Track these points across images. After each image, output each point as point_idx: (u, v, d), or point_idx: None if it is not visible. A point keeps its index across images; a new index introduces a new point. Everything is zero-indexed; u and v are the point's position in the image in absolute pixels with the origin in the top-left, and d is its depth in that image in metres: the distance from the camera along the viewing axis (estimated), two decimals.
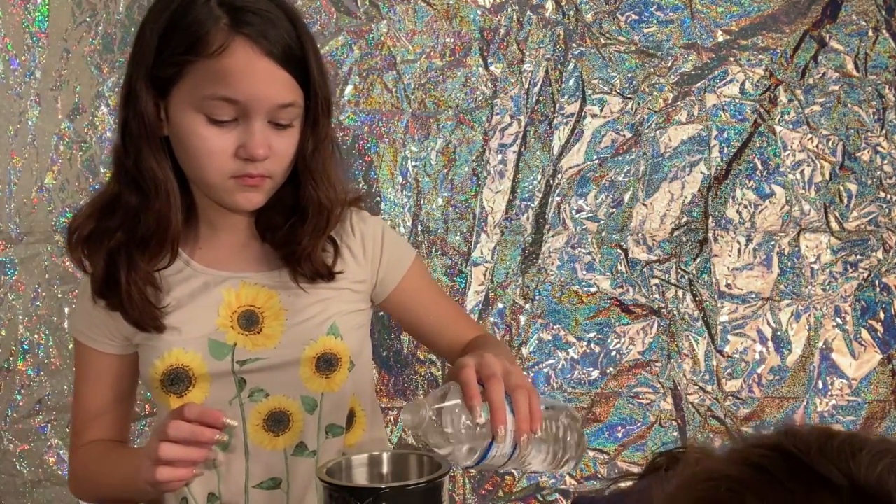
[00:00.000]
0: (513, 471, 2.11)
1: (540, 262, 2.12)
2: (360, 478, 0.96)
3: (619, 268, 2.12)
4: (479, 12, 2.10)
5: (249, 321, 1.13)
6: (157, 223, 1.08)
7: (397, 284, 1.21)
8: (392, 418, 2.10)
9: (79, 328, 1.17)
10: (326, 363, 1.13)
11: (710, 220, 2.12)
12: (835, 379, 2.12)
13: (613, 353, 2.12)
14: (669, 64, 2.10)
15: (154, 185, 1.07)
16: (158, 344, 1.11)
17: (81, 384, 1.19)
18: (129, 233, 1.09)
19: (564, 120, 2.11)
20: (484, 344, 1.18)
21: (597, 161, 2.11)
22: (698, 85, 2.11)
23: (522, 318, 2.12)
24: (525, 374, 2.12)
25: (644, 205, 2.11)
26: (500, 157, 2.12)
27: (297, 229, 1.12)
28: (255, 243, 1.15)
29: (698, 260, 2.12)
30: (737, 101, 2.11)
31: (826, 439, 0.49)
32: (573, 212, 2.12)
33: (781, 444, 0.50)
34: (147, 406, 1.99)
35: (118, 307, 1.10)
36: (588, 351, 2.12)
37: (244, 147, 1.04)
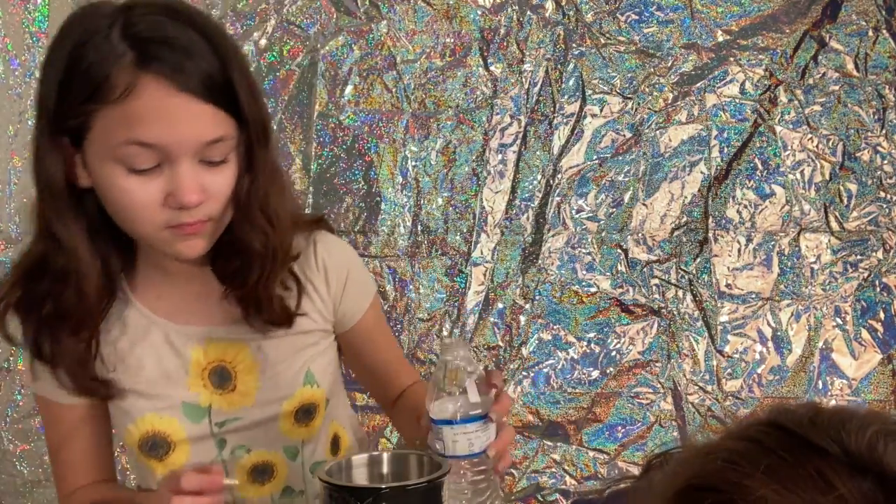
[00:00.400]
0: (512, 471, 2.11)
1: (540, 262, 2.12)
2: (360, 478, 0.96)
3: (619, 268, 2.12)
4: (479, 12, 2.10)
5: (222, 378, 1.06)
6: (75, 293, 0.98)
7: (352, 325, 1.14)
8: None
9: (41, 386, 1.07)
10: (305, 413, 1.09)
11: (710, 220, 2.12)
12: (835, 379, 2.12)
13: (613, 353, 2.12)
14: (669, 64, 2.10)
15: (65, 250, 0.96)
16: (129, 409, 1.05)
17: (56, 439, 1.11)
18: (55, 301, 0.99)
19: (564, 120, 2.11)
20: (422, 391, 1.14)
21: (597, 161, 2.11)
22: (698, 85, 2.11)
23: (522, 318, 2.12)
24: (525, 373, 2.12)
25: (644, 205, 2.11)
26: (500, 157, 2.12)
27: (248, 274, 1.01)
28: (215, 290, 1.04)
29: (698, 260, 2.12)
30: (737, 101, 2.11)
31: (816, 413, 0.51)
32: (573, 212, 2.12)
33: (774, 419, 0.52)
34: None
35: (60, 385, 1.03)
36: (588, 351, 2.12)
37: (172, 195, 0.92)
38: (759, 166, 2.12)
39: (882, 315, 2.13)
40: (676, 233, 2.12)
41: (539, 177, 2.12)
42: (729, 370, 2.11)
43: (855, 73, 2.10)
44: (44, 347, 1.01)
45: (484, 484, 0.95)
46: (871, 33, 2.10)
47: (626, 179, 2.11)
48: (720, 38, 2.11)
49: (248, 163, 0.98)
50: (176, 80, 0.90)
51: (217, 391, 1.06)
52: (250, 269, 1.01)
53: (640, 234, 2.12)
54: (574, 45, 2.11)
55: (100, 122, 0.91)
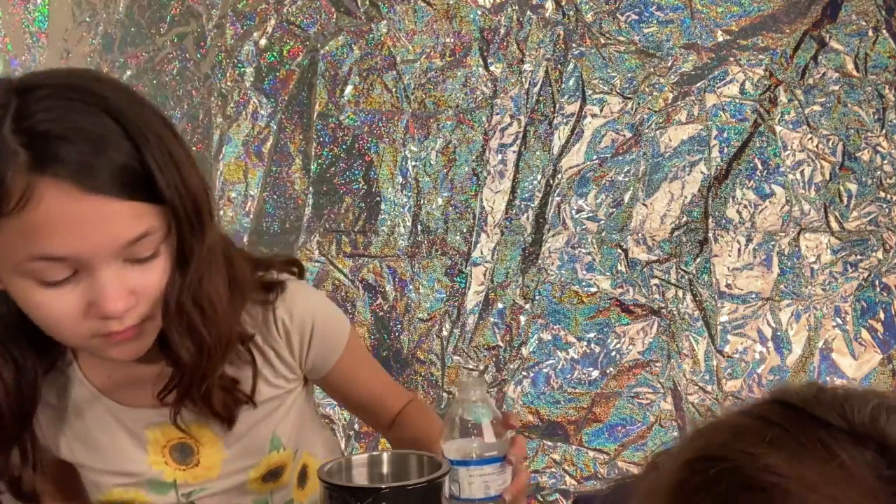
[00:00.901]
0: None
1: (540, 262, 2.12)
2: (360, 478, 0.96)
3: (619, 268, 2.12)
4: (479, 12, 2.10)
5: (184, 454, 1.01)
6: None
7: (328, 371, 1.09)
8: None
9: None
10: (273, 475, 1.07)
11: (710, 220, 2.12)
12: (835, 379, 2.12)
13: (613, 353, 2.12)
14: (669, 64, 2.10)
15: None
16: (95, 482, 1.01)
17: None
18: None
19: (564, 120, 2.11)
20: (417, 416, 1.15)
21: (597, 161, 2.11)
22: (698, 85, 2.11)
23: (522, 318, 2.12)
24: (525, 373, 2.12)
25: (644, 205, 2.11)
26: (500, 157, 2.12)
27: (179, 378, 0.92)
28: (167, 370, 0.95)
29: (698, 260, 2.12)
30: (737, 101, 2.11)
31: (819, 390, 0.53)
32: (573, 212, 2.12)
33: (778, 397, 0.54)
34: None
35: None
36: (588, 351, 2.12)
37: (94, 305, 0.81)
38: (759, 166, 2.12)
39: (882, 315, 2.13)
40: (676, 233, 2.12)
41: (539, 177, 2.12)
42: (729, 370, 2.11)
43: (855, 73, 2.10)
44: None
45: None
46: (871, 33, 2.10)
47: (626, 179, 2.11)
48: (720, 38, 2.11)
49: (181, 258, 0.86)
50: (81, 182, 0.77)
51: (181, 467, 1.01)
52: (181, 373, 0.92)
53: (640, 234, 2.12)
54: (574, 45, 2.11)
55: None
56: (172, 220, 0.84)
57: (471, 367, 0.94)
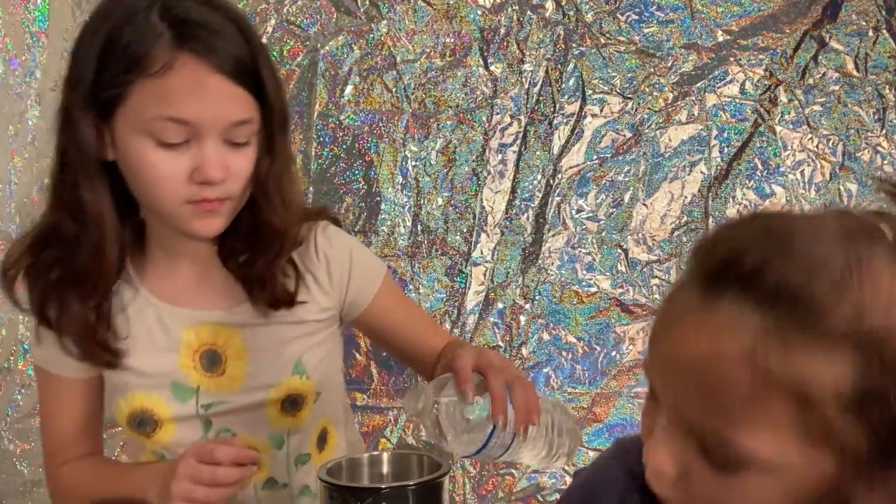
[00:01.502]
0: (512, 471, 2.11)
1: (540, 262, 2.12)
2: (361, 478, 0.96)
3: (619, 268, 2.12)
4: (479, 12, 2.10)
5: (212, 361, 1.08)
6: (92, 258, 1.01)
7: (367, 305, 1.15)
8: (392, 418, 2.10)
9: (41, 356, 1.11)
10: (292, 404, 1.10)
11: (711, 220, 2.12)
12: None
13: (613, 353, 2.12)
14: (669, 64, 2.10)
15: (89, 217, 1.00)
16: (120, 384, 1.07)
17: (49, 410, 1.14)
18: (66, 267, 1.02)
19: (564, 120, 2.11)
20: (461, 346, 1.15)
21: (597, 161, 2.11)
22: (698, 85, 2.11)
23: (522, 318, 2.12)
24: (525, 373, 2.12)
25: (644, 205, 2.11)
26: (500, 157, 2.12)
27: (257, 254, 1.05)
28: (217, 274, 1.08)
29: None
30: (737, 101, 2.11)
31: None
32: (573, 212, 2.12)
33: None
34: None
35: (65, 352, 1.06)
36: (588, 351, 2.12)
37: (198, 170, 0.96)
38: (759, 166, 2.12)
39: None
40: (676, 233, 2.12)
41: (539, 177, 2.12)
42: None
43: (855, 73, 2.10)
44: (50, 313, 1.03)
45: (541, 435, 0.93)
46: (871, 33, 2.10)
47: (626, 179, 2.11)
48: (720, 38, 2.11)
49: (268, 147, 1.01)
50: (211, 61, 0.94)
51: (206, 374, 1.08)
52: (263, 248, 1.04)
53: (640, 234, 2.12)
54: (574, 45, 2.11)
55: (135, 95, 0.94)
56: (266, 119, 1.00)
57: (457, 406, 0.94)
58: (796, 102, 2.11)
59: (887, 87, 2.10)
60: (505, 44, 2.11)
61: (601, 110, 2.11)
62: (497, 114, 2.11)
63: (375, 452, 1.01)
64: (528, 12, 2.10)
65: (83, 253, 1.01)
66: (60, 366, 1.09)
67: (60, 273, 1.03)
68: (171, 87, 0.93)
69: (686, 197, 2.12)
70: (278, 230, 1.04)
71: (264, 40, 2.07)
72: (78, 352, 1.05)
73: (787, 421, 0.54)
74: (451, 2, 2.09)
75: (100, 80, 0.96)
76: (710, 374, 0.55)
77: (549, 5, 2.11)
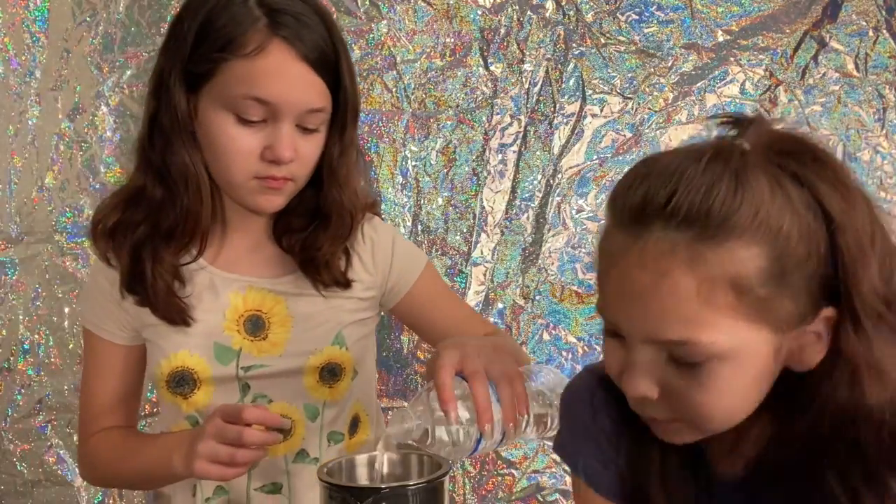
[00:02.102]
0: (512, 471, 2.11)
1: (540, 262, 2.12)
2: (360, 478, 0.96)
3: None
4: (479, 12, 2.10)
5: (256, 326, 1.12)
6: (185, 217, 1.08)
7: (407, 292, 1.20)
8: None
9: (88, 317, 1.17)
10: (330, 373, 1.13)
11: None
12: None
13: None
14: (669, 64, 2.10)
15: (185, 178, 1.06)
16: (165, 344, 1.11)
17: (91, 374, 1.18)
18: (153, 226, 1.09)
19: (564, 120, 2.11)
20: (445, 347, 1.16)
21: (597, 161, 2.11)
22: (698, 85, 2.11)
23: (522, 318, 2.12)
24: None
25: None
26: (500, 157, 2.12)
27: (319, 235, 1.11)
28: (268, 246, 1.15)
29: None
30: (737, 101, 2.11)
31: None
32: (573, 212, 2.12)
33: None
34: (147, 406, 1.99)
35: (146, 303, 1.10)
36: (588, 351, 2.12)
37: (271, 148, 1.03)
38: None
39: None
40: None
41: (539, 177, 2.12)
42: None
43: (855, 73, 2.10)
44: (145, 268, 1.08)
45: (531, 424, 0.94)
46: (871, 33, 2.10)
47: None
48: (720, 38, 2.11)
49: (340, 136, 1.09)
50: (298, 49, 1.02)
51: (249, 337, 1.12)
52: (329, 230, 1.11)
53: None
54: (574, 44, 2.11)
55: (226, 72, 1.02)
56: (338, 110, 1.07)
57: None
58: (796, 102, 2.11)
59: (887, 87, 2.10)
60: (505, 44, 2.11)
61: (601, 110, 2.11)
62: (497, 114, 2.11)
63: (375, 452, 1.00)
64: (528, 12, 2.10)
65: (174, 213, 1.07)
66: (108, 330, 1.15)
67: (149, 231, 1.08)
68: (261, 68, 1.01)
69: None
70: (347, 212, 1.11)
71: None
72: (161, 308, 1.09)
73: (731, 309, 0.67)
74: (451, 2, 2.09)
75: (195, 54, 1.03)
76: (661, 292, 0.68)
77: (549, 5, 2.11)
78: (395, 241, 1.20)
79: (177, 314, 1.10)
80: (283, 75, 1.02)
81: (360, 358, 1.16)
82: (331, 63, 1.05)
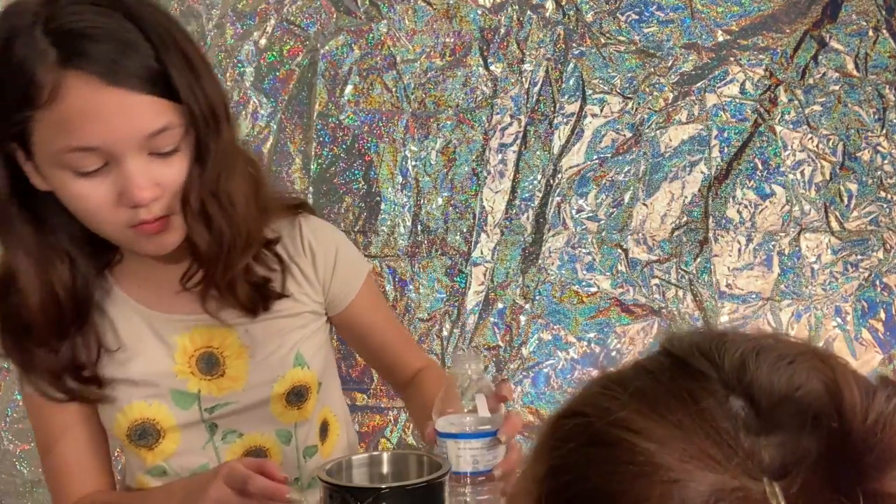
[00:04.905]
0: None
1: (540, 262, 2.12)
2: (360, 478, 0.96)
3: (620, 268, 2.12)
4: (479, 12, 2.10)
5: (210, 364, 1.04)
6: (25, 304, 0.94)
7: (347, 305, 1.12)
8: (392, 418, 2.10)
9: (27, 388, 1.04)
10: (297, 396, 1.07)
11: (711, 220, 2.12)
12: None
13: (613, 353, 2.12)
14: (669, 64, 2.10)
15: (17, 263, 0.93)
16: (116, 396, 1.02)
17: (49, 440, 1.05)
18: (17, 312, 0.96)
19: (564, 120, 2.11)
20: (433, 384, 1.12)
21: (597, 161, 2.11)
22: (698, 85, 2.11)
23: (522, 318, 2.12)
24: (525, 373, 2.12)
25: (644, 205, 2.11)
26: (500, 156, 2.12)
27: (203, 263, 0.98)
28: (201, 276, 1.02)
29: (698, 260, 2.12)
30: (737, 100, 2.11)
31: (703, 336, 0.51)
32: (573, 212, 2.12)
33: (663, 344, 0.52)
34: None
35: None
36: (588, 351, 2.12)
37: (124, 194, 0.88)
38: (760, 166, 2.12)
39: (883, 315, 2.13)
40: (676, 233, 2.12)
41: (539, 177, 2.12)
42: None
43: (855, 72, 2.10)
44: (16, 357, 0.99)
45: None
46: (871, 33, 2.10)
47: (627, 179, 2.11)
48: (720, 38, 2.11)
49: (197, 151, 0.92)
50: (104, 75, 0.84)
51: (206, 377, 1.04)
52: (202, 262, 0.97)
53: (640, 234, 2.12)
54: (574, 44, 2.11)
55: (37, 128, 0.86)
56: (189, 118, 0.90)
57: (480, 383, 0.94)
58: (796, 102, 2.11)
59: (887, 87, 2.10)
60: (505, 44, 2.11)
61: (601, 110, 2.11)
62: (497, 114, 2.11)
63: (375, 452, 1.00)
64: (528, 12, 2.10)
65: (26, 297, 0.94)
66: (48, 393, 1.02)
67: (15, 319, 0.96)
68: (66, 114, 0.84)
69: (686, 197, 2.12)
70: (225, 237, 0.95)
71: (264, 41, 2.06)
72: (54, 393, 0.99)
73: None
74: (451, 2, 2.09)
75: (1, 116, 0.87)
76: None
77: (549, 5, 2.11)
78: (338, 252, 1.10)
79: (78, 398, 1.00)
80: (95, 113, 0.85)
81: (322, 369, 1.10)
82: (156, 71, 0.87)
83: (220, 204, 0.94)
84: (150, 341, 1.03)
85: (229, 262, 0.97)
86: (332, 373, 1.18)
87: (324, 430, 1.14)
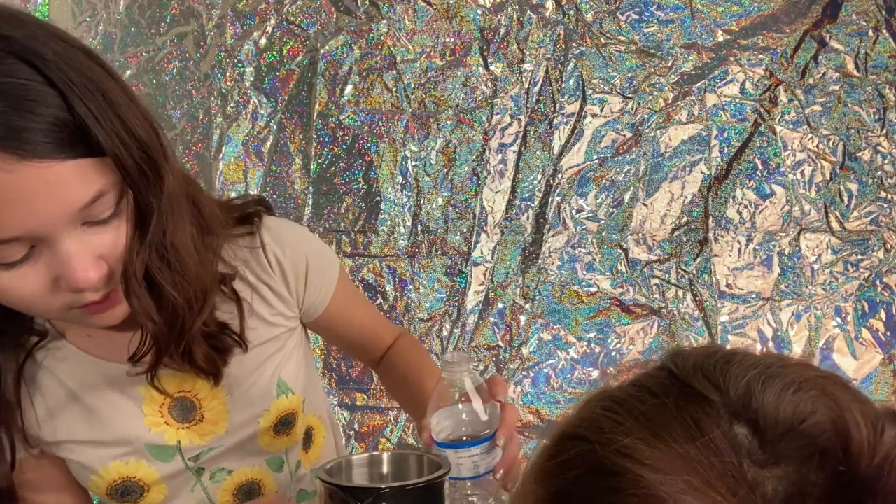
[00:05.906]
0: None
1: (540, 262, 2.12)
2: (360, 478, 0.96)
3: (619, 268, 2.12)
4: (479, 12, 2.10)
5: (185, 410, 0.94)
6: None
7: (322, 311, 1.05)
8: (392, 418, 2.10)
9: None
10: (285, 424, 1.01)
11: (711, 220, 2.11)
12: None
13: (613, 353, 2.12)
14: (669, 64, 2.10)
15: None
16: (87, 461, 0.92)
17: (28, 496, 0.95)
18: None
19: (564, 120, 2.11)
20: (408, 352, 1.12)
21: (597, 161, 2.11)
22: (698, 85, 2.11)
23: (522, 318, 2.12)
24: (525, 373, 2.12)
25: (644, 205, 2.11)
26: (500, 156, 2.12)
27: (166, 340, 0.85)
28: None
29: (698, 260, 2.12)
30: (737, 100, 2.11)
31: (706, 357, 0.49)
32: (573, 212, 2.11)
33: (666, 364, 0.51)
34: None
35: None
36: (588, 351, 2.12)
37: (63, 279, 0.74)
38: (760, 166, 2.12)
39: (883, 315, 2.12)
40: (676, 233, 2.12)
41: (539, 177, 2.12)
42: None
43: (855, 73, 2.10)
44: None
45: None
46: (871, 33, 2.10)
47: (627, 179, 2.11)
48: (720, 38, 2.11)
49: (138, 207, 0.76)
50: (11, 149, 0.67)
51: (183, 425, 0.94)
52: (154, 341, 0.84)
53: (640, 234, 2.12)
54: (574, 44, 2.11)
55: None
56: (122, 172, 0.73)
57: (474, 386, 0.94)
58: (796, 102, 2.11)
59: (887, 87, 2.10)
60: (505, 43, 2.11)
61: (601, 110, 2.11)
62: (497, 114, 2.11)
63: (375, 452, 1.00)
64: (528, 12, 2.10)
65: None
66: (20, 449, 0.91)
67: None
68: None
69: (686, 197, 2.12)
70: (178, 307, 0.82)
71: (264, 41, 2.06)
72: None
73: None
74: (451, 1, 2.09)
75: None
76: None
77: (549, 5, 2.11)
78: (307, 256, 0.99)
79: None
80: (11, 198, 0.68)
81: (306, 385, 1.03)
82: (73, 127, 0.69)
83: (169, 265, 0.80)
84: (111, 396, 0.91)
85: (185, 329, 0.84)
86: (315, 378, 1.13)
87: (308, 437, 1.10)
